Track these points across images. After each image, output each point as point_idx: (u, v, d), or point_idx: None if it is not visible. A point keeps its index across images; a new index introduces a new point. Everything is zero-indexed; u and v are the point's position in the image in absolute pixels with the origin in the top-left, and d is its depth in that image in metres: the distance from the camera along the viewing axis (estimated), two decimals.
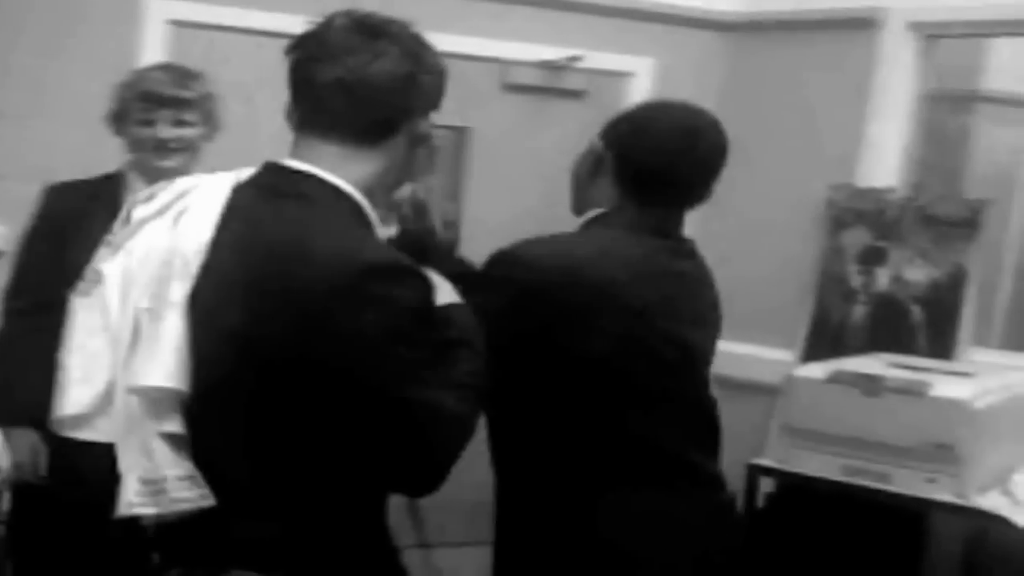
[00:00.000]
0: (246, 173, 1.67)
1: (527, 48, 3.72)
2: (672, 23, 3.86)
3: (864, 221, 3.48)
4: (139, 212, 1.71)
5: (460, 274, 1.80)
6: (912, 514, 3.11)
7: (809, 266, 3.57)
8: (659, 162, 1.93)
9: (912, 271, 3.38)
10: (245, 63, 3.30)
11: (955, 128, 4.32)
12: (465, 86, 3.69)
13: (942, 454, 2.69)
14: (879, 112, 3.55)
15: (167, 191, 1.71)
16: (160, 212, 1.67)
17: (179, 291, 1.56)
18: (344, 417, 1.48)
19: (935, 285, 3.34)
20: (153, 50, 3.30)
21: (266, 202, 1.58)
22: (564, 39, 3.75)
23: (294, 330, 1.47)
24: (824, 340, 3.45)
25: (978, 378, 2.87)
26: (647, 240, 1.92)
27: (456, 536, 3.55)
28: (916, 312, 3.35)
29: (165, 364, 1.54)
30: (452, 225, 1.99)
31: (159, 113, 2.44)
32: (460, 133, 3.71)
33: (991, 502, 2.69)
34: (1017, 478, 2.79)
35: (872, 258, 3.46)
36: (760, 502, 3.04)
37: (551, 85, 3.79)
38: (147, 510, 1.56)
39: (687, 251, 2.01)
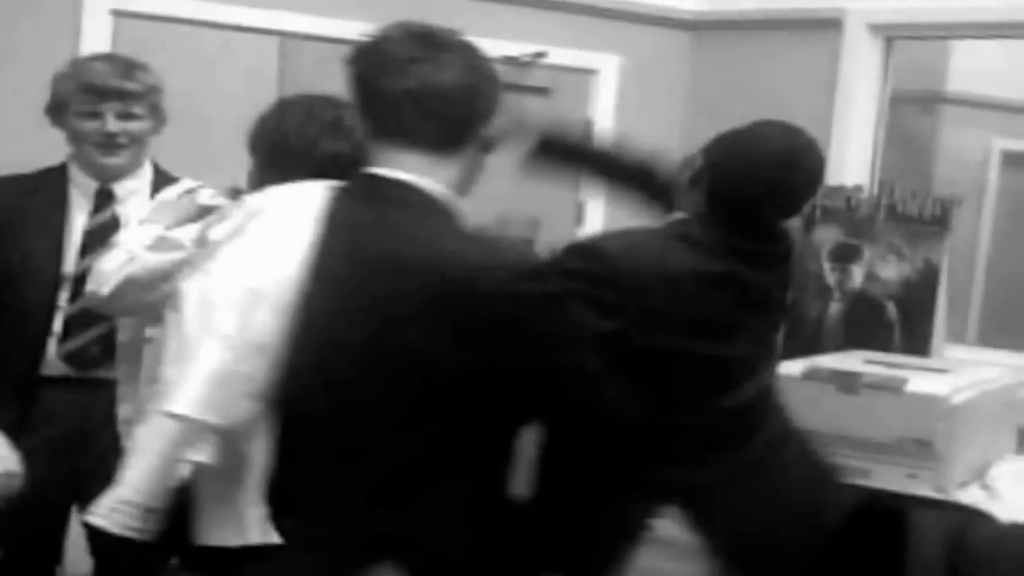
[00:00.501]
0: (316, 189, 1.71)
1: (491, 44, 3.63)
2: (637, 21, 3.85)
3: (835, 219, 3.47)
4: (215, 233, 1.77)
5: None
6: (893, 510, 3.09)
7: None
8: (751, 193, 1.85)
9: (885, 268, 3.37)
10: (189, 53, 3.20)
11: (921, 129, 4.32)
12: None
13: (920, 449, 2.66)
14: (845, 112, 3.56)
15: (239, 211, 1.76)
16: (236, 233, 1.73)
17: (266, 321, 1.62)
18: (522, 410, 1.55)
19: (908, 282, 3.33)
20: (95, 41, 3.19)
21: (373, 213, 1.60)
22: (529, 36, 3.71)
23: (462, 344, 1.49)
24: (801, 338, 3.41)
25: (954, 374, 2.86)
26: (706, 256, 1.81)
27: None
28: (891, 309, 3.34)
29: (195, 394, 1.63)
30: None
31: (104, 106, 2.32)
32: None
33: (970, 496, 2.67)
34: (994, 472, 2.78)
35: (845, 256, 3.45)
36: None
37: (516, 82, 3.73)
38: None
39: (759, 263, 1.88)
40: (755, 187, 1.84)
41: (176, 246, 2.08)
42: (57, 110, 2.33)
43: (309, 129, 2.14)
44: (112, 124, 2.32)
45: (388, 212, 1.57)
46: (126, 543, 2.33)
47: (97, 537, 2.36)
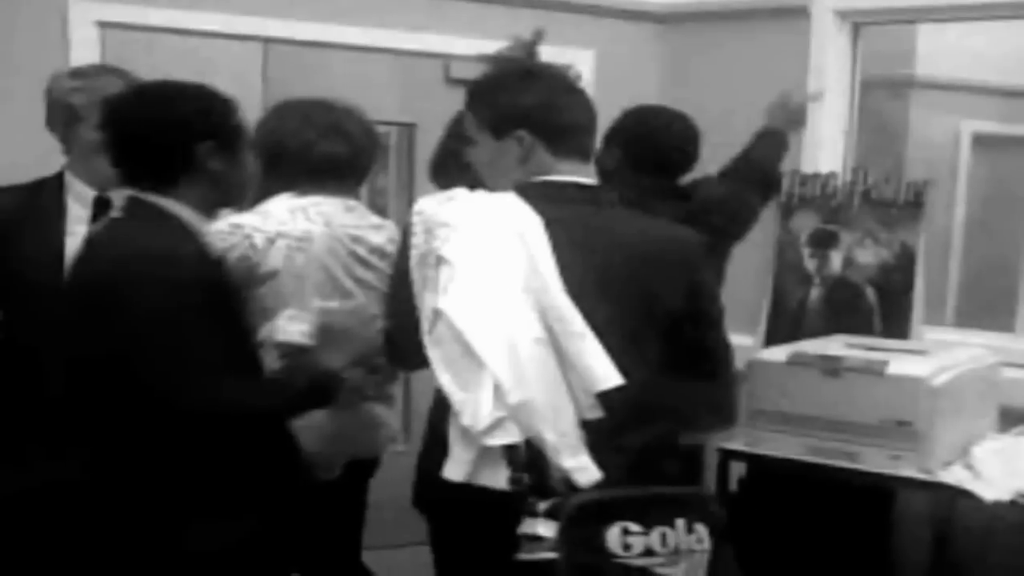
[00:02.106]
0: (496, 198, 1.93)
1: (469, 42, 3.69)
2: (610, 16, 3.88)
3: (811, 206, 3.51)
4: (447, 251, 1.85)
5: None
6: (880, 491, 3.14)
7: (765, 253, 3.59)
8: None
9: (863, 253, 3.42)
10: (173, 62, 3.21)
11: (892, 113, 4.37)
12: (410, 81, 3.68)
13: (903, 431, 2.70)
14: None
15: (421, 227, 1.89)
16: (466, 252, 1.85)
17: (577, 318, 1.83)
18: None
19: (885, 266, 3.38)
20: (82, 52, 3.19)
21: (594, 211, 1.98)
22: (505, 33, 3.72)
23: (683, 295, 1.99)
24: (784, 324, 3.47)
25: (934, 356, 2.89)
26: None
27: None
28: (869, 293, 3.38)
29: (608, 368, 1.83)
30: None
31: None
32: (406, 129, 3.67)
33: (954, 476, 2.71)
34: (977, 451, 2.81)
35: (823, 242, 3.49)
36: (733, 486, 3.04)
37: None
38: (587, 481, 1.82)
39: None
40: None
41: None
42: (68, 123, 2.32)
43: (306, 133, 2.18)
44: None
45: (600, 209, 2.00)
46: None
47: None
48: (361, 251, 2.20)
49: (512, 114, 1.97)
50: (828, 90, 3.60)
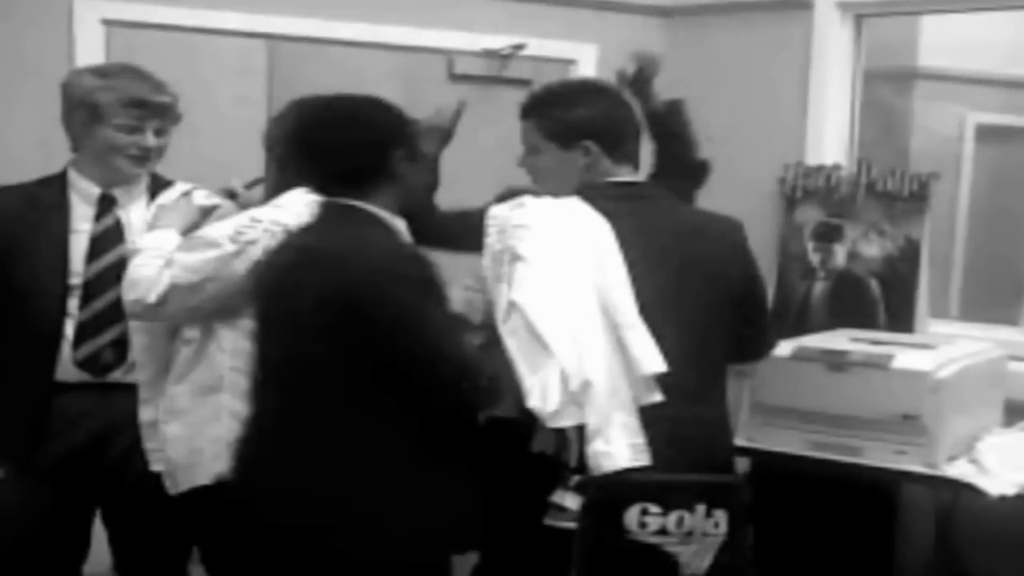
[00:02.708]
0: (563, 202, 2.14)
1: (472, 38, 3.70)
2: (613, 9, 3.87)
3: (815, 199, 3.51)
4: (523, 249, 2.02)
5: None
6: (884, 486, 3.14)
7: (768, 246, 3.58)
8: None
9: (867, 246, 3.42)
10: (178, 59, 3.22)
11: (895, 105, 4.36)
12: (413, 78, 3.68)
13: (909, 425, 2.70)
14: (820, 92, 3.59)
15: (496, 228, 2.07)
16: (539, 250, 2.02)
17: (633, 311, 2.02)
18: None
19: (890, 259, 3.38)
20: (88, 50, 3.22)
21: (653, 203, 2.26)
22: (508, 28, 3.74)
23: (739, 269, 2.29)
24: (788, 318, 3.47)
25: (939, 349, 2.89)
26: None
27: None
28: (874, 286, 3.39)
29: (655, 355, 1.99)
30: None
31: (146, 122, 2.34)
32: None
33: (959, 470, 2.71)
34: (982, 446, 2.81)
35: (827, 235, 3.49)
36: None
37: (496, 74, 3.76)
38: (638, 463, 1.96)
39: None
40: None
41: (211, 244, 2.12)
42: (88, 121, 2.32)
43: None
44: (151, 139, 2.35)
45: (663, 203, 2.29)
46: (146, 539, 2.40)
47: (118, 535, 2.43)
48: None
49: (580, 126, 2.23)
50: (831, 82, 3.59)
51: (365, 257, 1.92)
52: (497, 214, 2.13)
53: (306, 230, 2.05)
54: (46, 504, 2.31)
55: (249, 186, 2.40)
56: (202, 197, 2.34)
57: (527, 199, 2.15)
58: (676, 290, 2.13)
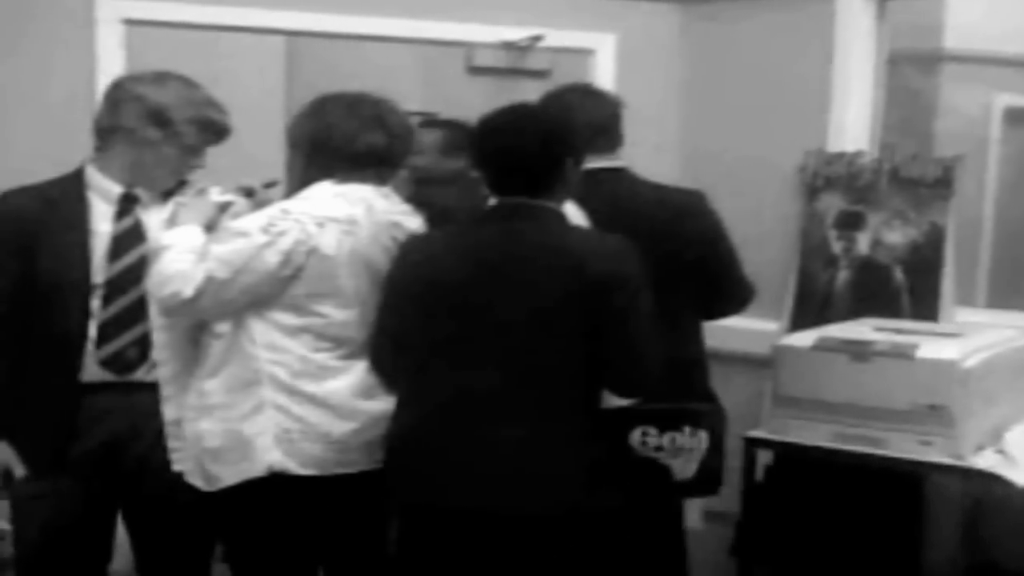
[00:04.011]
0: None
1: (490, 30, 3.69)
2: None
3: (837, 186, 3.47)
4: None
5: None
6: (909, 477, 3.10)
7: (790, 235, 3.56)
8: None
9: (890, 234, 3.38)
10: (198, 57, 3.23)
11: (921, 88, 4.32)
12: (432, 71, 3.68)
13: (934, 415, 2.67)
14: (843, 76, 3.54)
15: None
16: None
17: None
18: None
19: (914, 246, 3.33)
20: (109, 51, 3.23)
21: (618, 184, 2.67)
22: (526, 19, 3.72)
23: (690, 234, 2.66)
24: (810, 308, 3.44)
25: (965, 338, 2.85)
26: None
27: None
28: (898, 275, 3.34)
29: None
30: None
31: (210, 145, 2.39)
32: (428, 116, 3.68)
33: (986, 461, 2.68)
34: (1009, 436, 2.77)
35: (850, 223, 3.45)
36: (759, 475, 3.02)
37: (515, 66, 3.75)
38: None
39: None
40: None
41: (243, 235, 2.14)
42: (146, 128, 2.30)
43: (350, 123, 2.24)
44: (204, 160, 2.41)
45: (622, 183, 2.70)
46: (168, 539, 2.42)
47: (139, 535, 2.45)
48: (400, 236, 2.26)
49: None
50: (854, 67, 3.54)
51: (603, 251, 2.16)
52: None
53: (485, 224, 2.24)
54: (72, 504, 2.33)
55: (267, 186, 2.42)
56: (217, 194, 2.35)
57: None
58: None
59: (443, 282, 2.17)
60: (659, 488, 2.44)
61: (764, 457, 3.04)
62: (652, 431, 2.39)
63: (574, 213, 2.37)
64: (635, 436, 2.37)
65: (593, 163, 2.46)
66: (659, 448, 2.39)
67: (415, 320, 2.19)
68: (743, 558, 3.06)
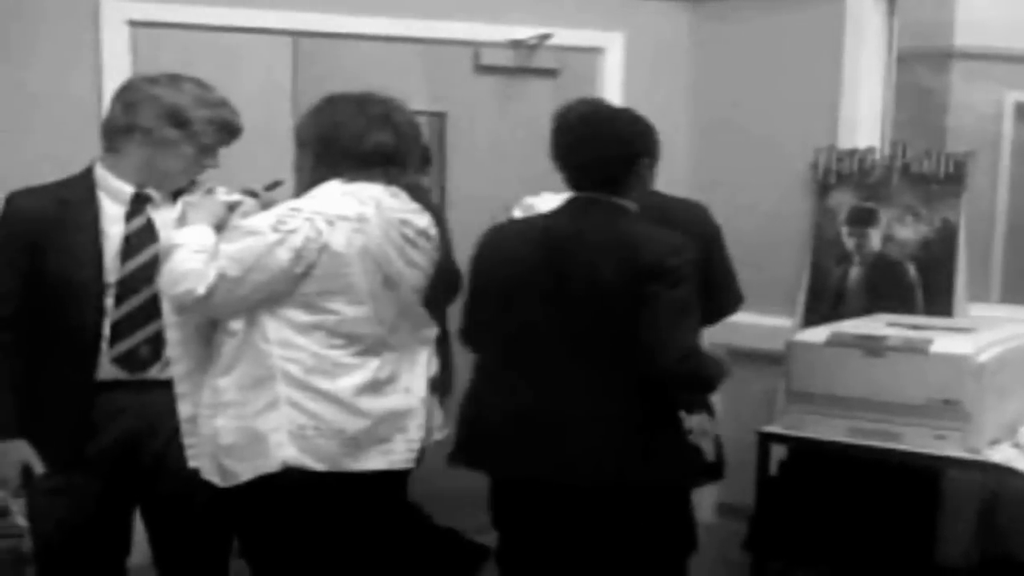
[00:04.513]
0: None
1: (498, 29, 3.69)
2: None
3: (849, 183, 3.47)
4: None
5: None
6: (924, 471, 3.10)
7: (802, 232, 3.56)
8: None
9: (903, 230, 3.38)
10: (204, 59, 3.24)
11: (933, 86, 4.31)
12: (439, 70, 3.69)
13: (949, 410, 2.67)
14: (853, 74, 3.55)
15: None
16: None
17: None
18: None
19: (926, 242, 3.33)
20: (114, 51, 3.24)
21: None
22: (533, 18, 3.73)
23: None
24: (823, 304, 3.44)
25: (979, 332, 2.85)
26: None
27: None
28: (911, 270, 3.34)
29: None
30: None
31: (224, 146, 2.39)
32: (437, 117, 3.69)
33: (1002, 455, 2.67)
34: None
35: (862, 219, 3.45)
36: (773, 469, 3.02)
37: (523, 65, 3.76)
38: None
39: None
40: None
41: (253, 233, 2.14)
42: (162, 128, 2.30)
43: (358, 123, 2.24)
44: (218, 161, 2.40)
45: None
46: (185, 535, 2.43)
47: (157, 530, 2.46)
48: (409, 233, 2.26)
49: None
50: (864, 64, 3.55)
51: (656, 243, 2.27)
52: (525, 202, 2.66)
53: (557, 216, 2.38)
54: (90, 500, 2.33)
55: (269, 188, 2.42)
56: (224, 194, 2.36)
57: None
58: None
59: (514, 267, 2.34)
60: (700, 467, 2.46)
61: (778, 452, 3.04)
62: (683, 413, 2.40)
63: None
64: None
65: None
66: (690, 431, 2.42)
67: (491, 302, 2.37)
68: (756, 552, 3.07)
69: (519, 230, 2.45)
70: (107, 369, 2.31)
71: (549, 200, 2.64)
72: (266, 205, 2.33)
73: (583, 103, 2.43)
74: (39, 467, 2.32)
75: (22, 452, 2.32)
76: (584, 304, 2.27)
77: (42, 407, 2.32)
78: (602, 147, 2.34)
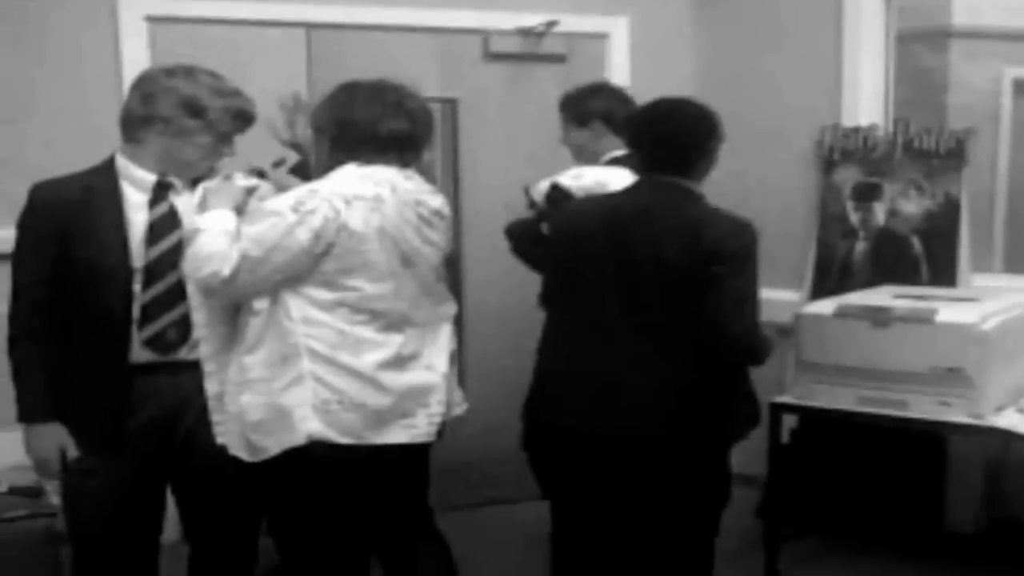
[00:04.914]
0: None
1: (506, 17, 3.74)
2: None
3: (853, 159, 3.53)
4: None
5: None
6: (931, 438, 3.17)
7: (808, 208, 3.62)
8: None
9: (906, 204, 3.43)
10: (223, 54, 3.30)
11: (932, 65, 4.36)
12: (450, 58, 3.74)
13: (954, 378, 2.73)
14: (854, 55, 3.61)
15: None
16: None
17: None
18: None
19: (930, 215, 3.39)
20: (132, 46, 3.31)
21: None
22: (540, 5, 3.77)
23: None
24: (830, 277, 3.50)
25: (982, 302, 2.91)
26: None
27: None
28: (915, 243, 3.40)
29: None
30: None
31: (240, 133, 2.44)
32: (448, 104, 3.73)
33: (1007, 420, 2.73)
34: None
35: (867, 194, 3.50)
36: (784, 438, 3.08)
37: (531, 51, 3.80)
38: None
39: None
40: None
41: (274, 215, 2.20)
42: (188, 114, 2.35)
43: (372, 110, 2.29)
44: (234, 148, 2.45)
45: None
46: (215, 511, 2.49)
47: (189, 506, 2.52)
48: (425, 212, 2.32)
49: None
50: (865, 43, 3.60)
51: (719, 226, 2.38)
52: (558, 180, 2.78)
53: (628, 195, 2.53)
54: (126, 482, 2.39)
55: (276, 165, 2.48)
56: (241, 179, 2.42)
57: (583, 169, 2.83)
58: None
59: (584, 241, 2.49)
60: (745, 421, 2.54)
61: (789, 422, 3.10)
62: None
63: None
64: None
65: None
66: None
67: (563, 271, 2.54)
68: (769, 519, 3.13)
69: (592, 207, 2.59)
70: (138, 352, 2.36)
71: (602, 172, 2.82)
72: (282, 188, 2.39)
73: (662, 100, 2.58)
74: (74, 450, 2.38)
75: (59, 435, 2.37)
76: (648, 280, 2.39)
77: (76, 391, 2.37)
78: (682, 134, 2.48)
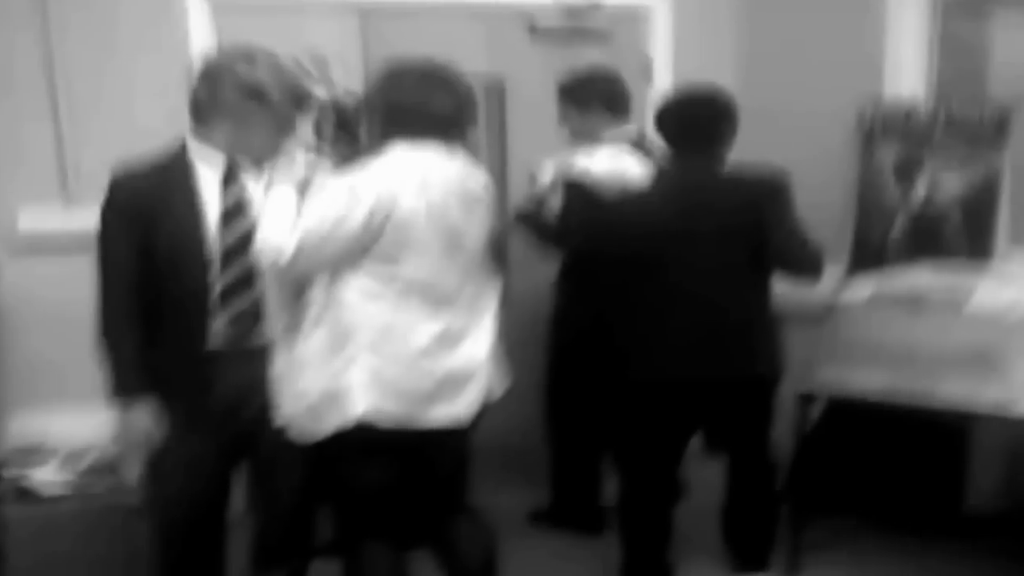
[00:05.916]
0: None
1: None
2: None
3: (894, 134, 3.53)
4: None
5: None
6: (956, 424, 3.18)
7: (848, 183, 3.63)
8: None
9: (948, 178, 3.44)
10: (284, 40, 3.37)
11: (974, 37, 4.34)
12: (496, 36, 3.79)
13: (983, 364, 2.76)
14: (896, 27, 3.63)
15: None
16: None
17: None
18: None
19: (971, 190, 3.40)
20: (200, 34, 3.39)
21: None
22: None
23: None
24: (869, 253, 3.52)
25: (1018, 287, 2.92)
26: None
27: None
28: (955, 218, 3.41)
29: None
30: None
31: (301, 112, 2.57)
32: (495, 79, 3.80)
33: None
34: None
35: (907, 169, 3.51)
36: (811, 421, 3.09)
37: (575, 27, 3.84)
38: None
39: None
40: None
41: (329, 196, 2.30)
42: (248, 97, 2.43)
43: (420, 90, 2.37)
44: (309, 133, 2.65)
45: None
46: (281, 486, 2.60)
47: (258, 480, 2.63)
48: (469, 192, 2.41)
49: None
50: (907, 16, 3.60)
51: (759, 180, 2.84)
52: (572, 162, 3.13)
53: (681, 173, 2.93)
54: (204, 459, 2.50)
55: (318, 134, 2.57)
56: (303, 157, 2.51)
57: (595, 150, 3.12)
58: None
59: (653, 216, 2.85)
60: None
61: (816, 406, 3.09)
62: None
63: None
64: None
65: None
66: None
67: (640, 248, 2.86)
68: (794, 502, 3.15)
69: (653, 184, 2.93)
70: (217, 335, 2.46)
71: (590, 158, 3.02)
72: (336, 163, 2.48)
73: (689, 88, 2.97)
74: (158, 431, 2.47)
75: (151, 411, 2.46)
76: (713, 239, 2.78)
77: (159, 373, 2.45)
78: (717, 118, 2.89)
